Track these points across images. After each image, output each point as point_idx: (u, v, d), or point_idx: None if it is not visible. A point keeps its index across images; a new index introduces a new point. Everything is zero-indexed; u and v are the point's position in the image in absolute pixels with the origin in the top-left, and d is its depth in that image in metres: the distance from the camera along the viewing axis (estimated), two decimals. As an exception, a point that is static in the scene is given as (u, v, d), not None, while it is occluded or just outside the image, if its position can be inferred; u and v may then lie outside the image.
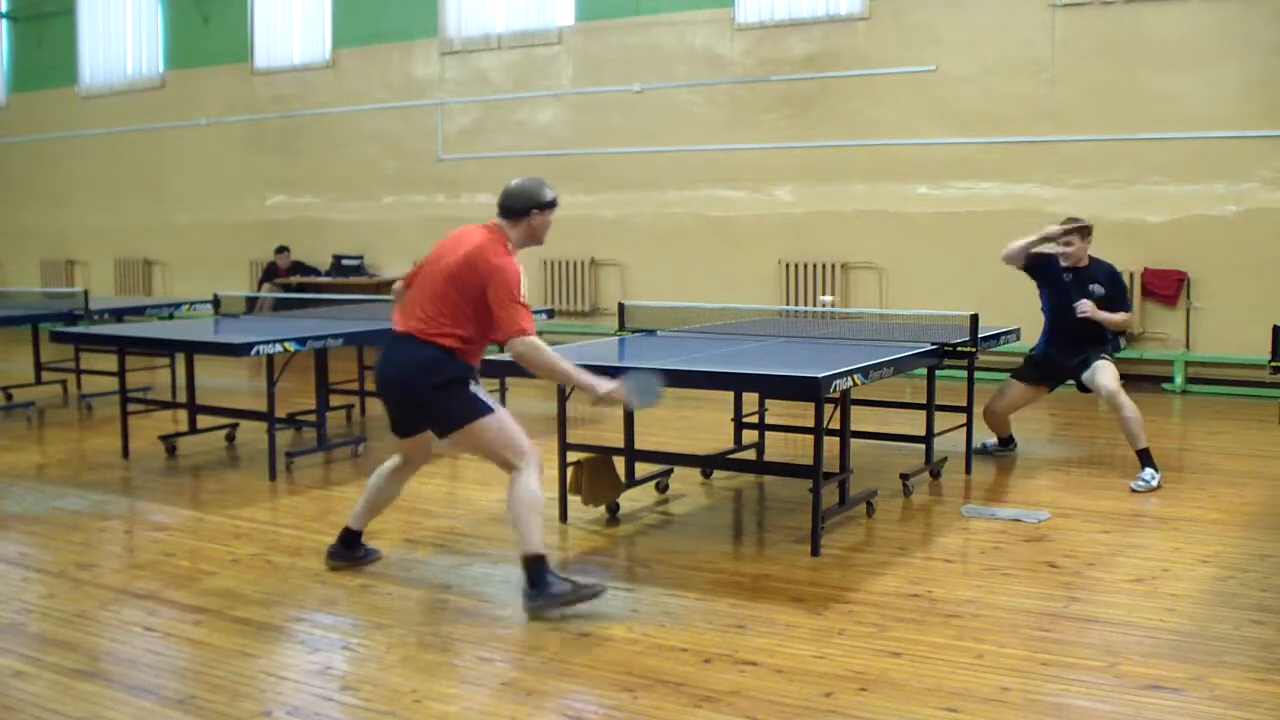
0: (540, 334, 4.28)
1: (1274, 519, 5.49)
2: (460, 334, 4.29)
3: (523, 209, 4.39)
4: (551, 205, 4.44)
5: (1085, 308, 6.42)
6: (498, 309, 4.23)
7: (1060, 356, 6.61)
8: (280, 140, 14.31)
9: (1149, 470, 6.13)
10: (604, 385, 4.27)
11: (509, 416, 4.36)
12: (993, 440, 6.99)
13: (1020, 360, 7.09)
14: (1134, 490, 6.02)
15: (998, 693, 3.46)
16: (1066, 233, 6.46)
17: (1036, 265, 6.62)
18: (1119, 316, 6.54)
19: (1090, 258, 6.57)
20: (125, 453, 7.12)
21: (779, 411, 7.04)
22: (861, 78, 10.82)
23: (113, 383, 7.68)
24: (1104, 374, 6.41)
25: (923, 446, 6.36)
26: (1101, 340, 6.57)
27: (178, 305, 9.78)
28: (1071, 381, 6.67)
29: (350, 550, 4.77)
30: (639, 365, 4.66)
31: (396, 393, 4.41)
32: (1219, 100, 9.43)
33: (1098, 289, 6.49)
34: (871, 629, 4.02)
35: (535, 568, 4.18)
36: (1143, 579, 4.55)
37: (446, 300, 4.28)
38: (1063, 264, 6.53)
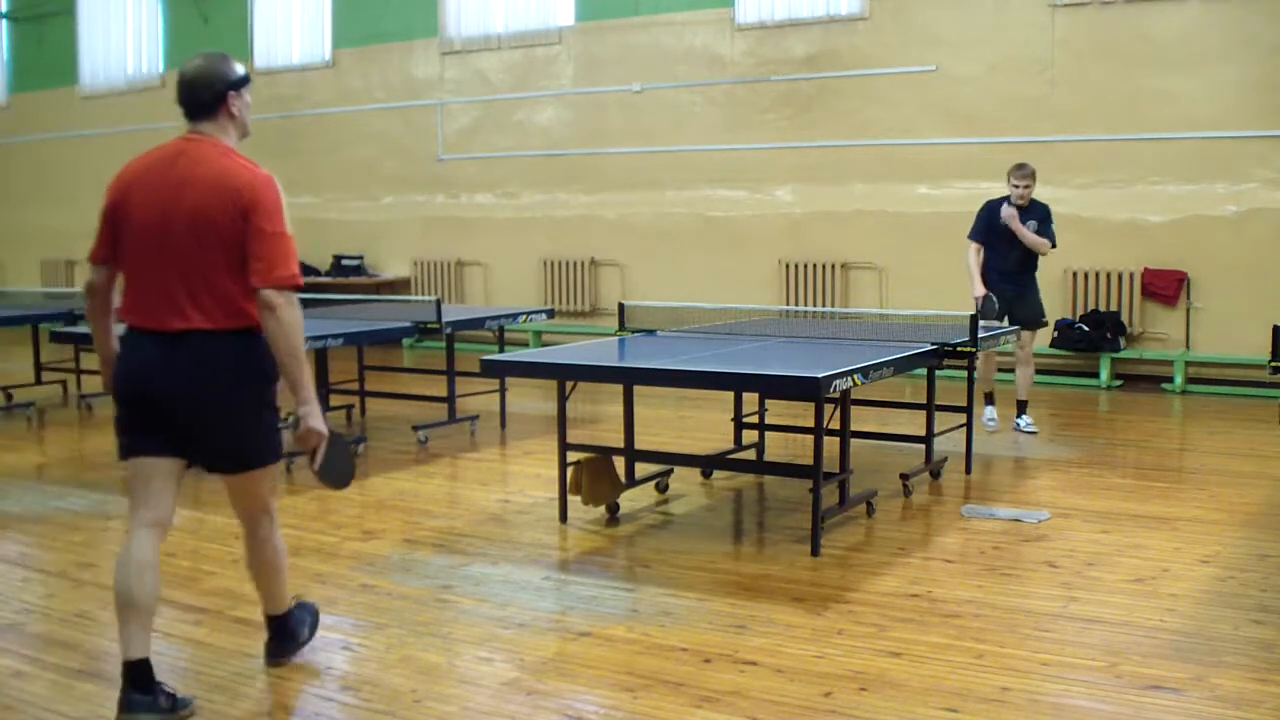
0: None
1: (1274, 519, 5.49)
2: (246, 305, 3.28)
3: (217, 96, 3.33)
4: (246, 81, 3.40)
5: (1007, 214, 7.41)
6: (261, 242, 3.19)
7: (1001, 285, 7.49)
8: (280, 140, 14.29)
9: (1025, 418, 7.62)
10: (318, 416, 3.52)
11: None
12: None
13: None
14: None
15: (998, 693, 3.46)
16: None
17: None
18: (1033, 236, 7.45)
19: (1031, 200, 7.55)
20: (125, 453, 7.11)
21: (779, 411, 7.03)
22: (861, 78, 10.81)
23: (113, 383, 7.67)
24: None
25: (922, 446, 6.37)
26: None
27: (177, 305, 9.75)
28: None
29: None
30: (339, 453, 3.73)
31: (200, 407, 3.43)
32: (1219, 100, 9.42)
33: (1032, 224, 7.48)
34: (871, 629, 4.02)
35: (289, 619, 3.76)
36: (1143, 579, 4.55)
37: (207, 261, 3.24)
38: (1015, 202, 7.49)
